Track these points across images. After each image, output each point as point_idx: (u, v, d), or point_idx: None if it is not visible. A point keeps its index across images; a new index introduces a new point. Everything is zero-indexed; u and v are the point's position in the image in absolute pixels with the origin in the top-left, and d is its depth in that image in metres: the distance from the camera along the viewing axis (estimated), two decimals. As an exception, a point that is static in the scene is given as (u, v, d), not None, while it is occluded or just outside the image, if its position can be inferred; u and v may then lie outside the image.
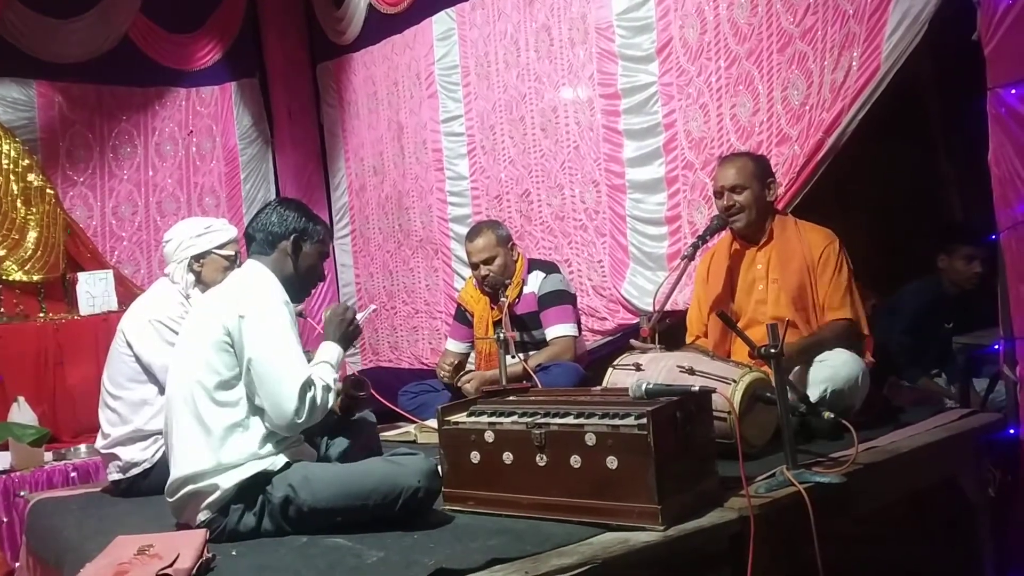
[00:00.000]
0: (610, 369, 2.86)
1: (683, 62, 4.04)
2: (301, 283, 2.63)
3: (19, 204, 5.35)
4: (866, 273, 3.24)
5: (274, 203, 2.67)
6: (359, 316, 2.88)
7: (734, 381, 2.55)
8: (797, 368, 2.83)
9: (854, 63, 3.33)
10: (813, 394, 2.75)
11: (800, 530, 2.15)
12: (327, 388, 2.42)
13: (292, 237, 2.57)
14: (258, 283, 2.49)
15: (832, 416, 2.44)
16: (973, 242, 3.91)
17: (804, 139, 3.53)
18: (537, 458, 2.24)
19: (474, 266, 3.93)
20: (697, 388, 2.25)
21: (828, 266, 3.08)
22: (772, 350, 2.31)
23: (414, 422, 3.52)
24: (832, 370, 2.84)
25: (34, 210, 5.39)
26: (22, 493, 3.81)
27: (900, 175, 4.36)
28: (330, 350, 2.57)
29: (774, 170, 3.42)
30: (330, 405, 2.45)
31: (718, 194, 3.22)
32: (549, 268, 4.00)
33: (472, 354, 4.18)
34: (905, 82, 3.39)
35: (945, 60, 3.93)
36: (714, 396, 2.33)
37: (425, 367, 5.60)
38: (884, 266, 4.18)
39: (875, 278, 3.89)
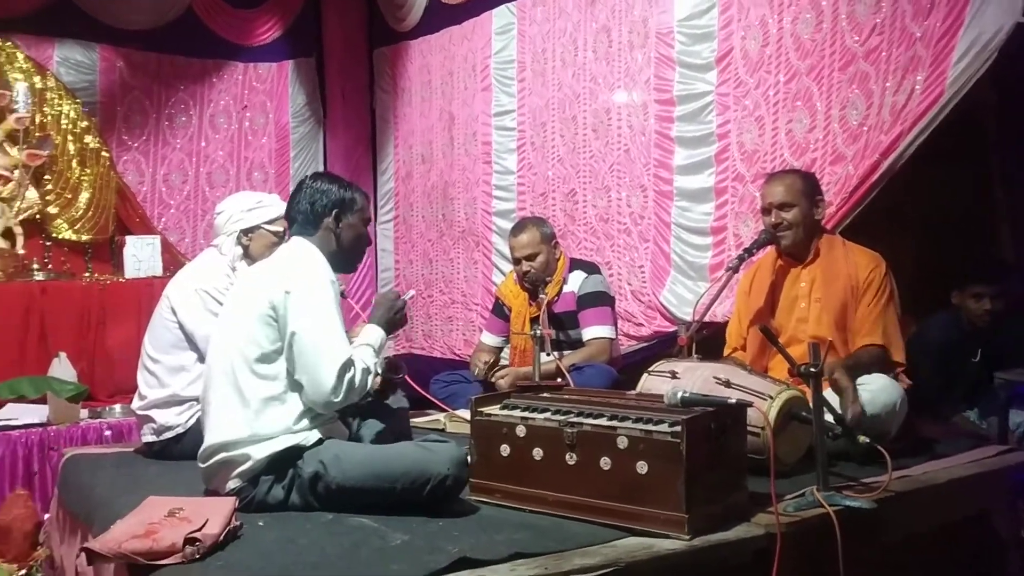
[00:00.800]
0: (645, 374, 2.86)
1: (742, 73, 4.01)
2: (349, 254, 2.67)
3: (74, 164, 5.45)
4: (910, 298, 3.19)
5: (307, 181, 2.67)
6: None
7: (770, 397, 2.54)
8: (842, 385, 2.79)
9: (917, 87, 3.28)
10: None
11: (826, 552, 2.13)
12: (367, 370, 2.44)
13: (333, 212, 2.60)
14: (306, 260, 2.52)
15: (867, 441, 2.42)
16: (984, 280, 3.85)
17: (859, 160, 3.49)
18: (567, 456, 2.24)
19: (516, 261, 3.94)
20: (734, 401, 2.24)
21: (870, 290, 3.04)
22: (811, 369, 2.30)
23: (444, 410, 3.54)
24: (870, 394, 2.80)
25: (88, 171, 5.49)
26: (56, 447, 3.89)
27: (952, 201, 4.29)
28: (374, 333, 2.59)
29: (826, 189, 3.39)
30: (368, 387, 2.47)
31: (766, 211, 3.20)
32: (591, 268, 4.00)
33: (506, 349, 4.19)
34: (965, 107, 3.33)
35: (1007, 88, 3.87)
36: (749, 411, 2.32)
37: (457, 357, 5.63)
38: (929, 291, 4.12)
39: (919, 303, 3.84)
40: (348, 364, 2.38)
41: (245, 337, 2.41)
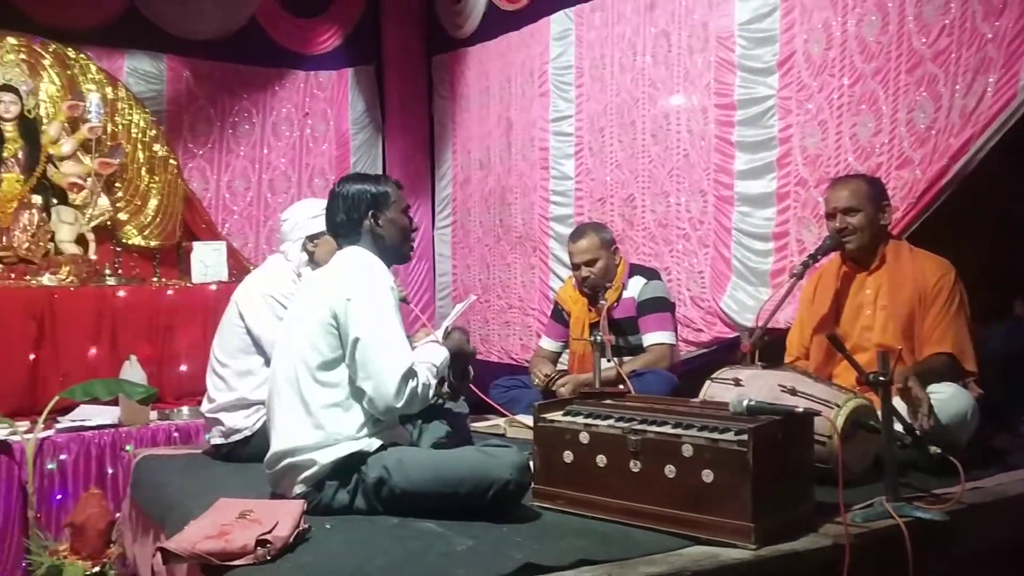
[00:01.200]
0: (708, 381, 2.84)
1: (804, 76, 3.96)
2: (398, 247, 2.68)
3: (144, 172, 5.60)
4: (973, 305, 3.12)
5: (335, 189, 2.68)
6: (457, 307, 2.93)
7: (837, 405, 2.50)
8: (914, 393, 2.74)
9: (988, 89, 3.21)
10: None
11: (895, 564, 2.10)
12: (427, 385, 2.46)
13: (370, 213, 2.60)
14: (364, 266, 2.54)
15: (938, 451, 2.37)
16: None
17: (927, 164, 3.42)
18: (631, 464, 2.24)
19: (575, 267, 3.94)
20: (800, 409, 2.22)
21: (940, 297, 2.99)
22: (881, 377, 2.26)
23: (505, 416, 3.55)
24: (940, 403, 2.75)
25: (157, 179, 5.63)
26: (127, 448, 4.00)
27: (1021, 206, 4.18)
28: (439, 354, 2.61)
29: (892, 194, 3.34)
30: (428, 399, 2.49)
31: (830, 215, 3.16)
32: (651, 274, 3.98)
33: (565, 354, 4.19)
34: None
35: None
36: (816, 419, 2.29)
37: (514, 362, 5.64)
38: (994, 299, 4.02)
39: (983, 311, 3.75)
40: (411, 372, 2.40)
41: (307, 345, 2.44)
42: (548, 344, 4.21)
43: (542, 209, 5.55)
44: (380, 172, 6.61)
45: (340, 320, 2.42)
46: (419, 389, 2.41)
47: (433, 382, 2.51)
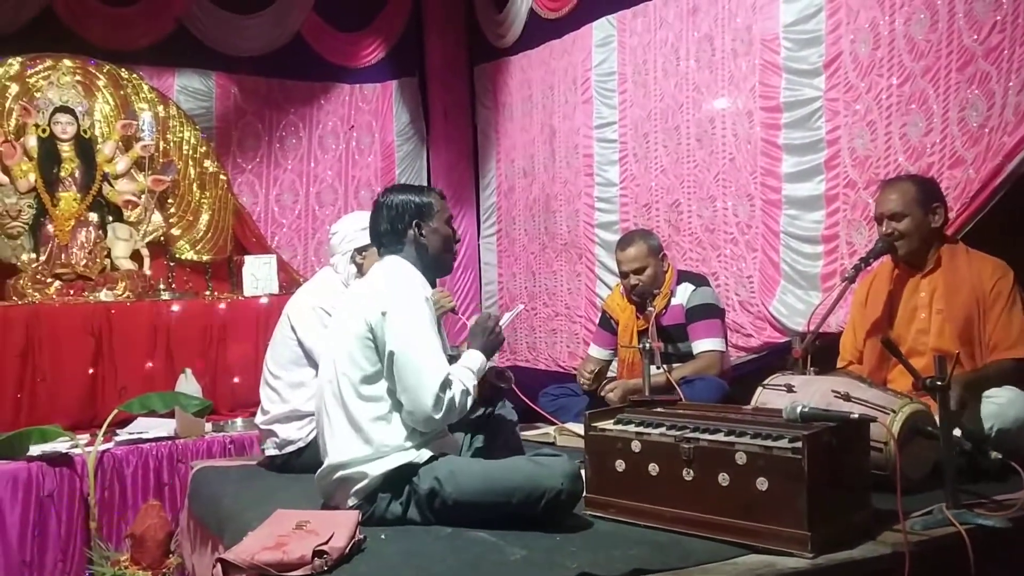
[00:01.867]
0: (760, 388, 2.82)
1: (852, 77, 3.91)
2: (440, 258, 2.69)
3: (195, 188, 5.72)
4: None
5: (380, 199, 2.70)
6: (505, 316, 2.93)
7: (893, 411, 2.46)
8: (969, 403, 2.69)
9: (1043, 86, 3.15)
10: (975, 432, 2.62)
11: (957, 572, 2.06)
12: (466, 392, 2.46)
13: (414, 223, 2.61)
14: (400, 279, 2.55)
15: (999, 456, 2.32)
16: None
17: (981, 163, 3.35)
18: (684, 472, 2.23)
19: (623, 275, 3.93)
20: (856, 415, 2.19)
21: (1000, 300, 2.92)
22: (938, 382, 2.22)
23: (554, 424, 3.55)
24: (999, 407, 2.70)
25: (208, 194, 5.75)
26: (184, 460, 4.08)
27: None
28: (473, 357, 2.60)
29: (944, 194, 3.27)
30: (467, 408, 2.48)
31: (878, 220, 3.11)
32: (699, 281, 3.96)
33: (614, 362, 4.18)
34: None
35: None
36: (872, 425, 2.26)
37: (562, 370, 5.64)
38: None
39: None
40: (447, 383, 2.40)
41: (348, 359, 2.46)
42: (597, 352, 4.20)
43: (587, 216, 5.55)
44: (424, 183, 6.67)
45: (376, 333, 2.43)
46: (457, 398, 2.41)
47: (471, 386, 2.50)
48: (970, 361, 2.89)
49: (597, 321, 4.35)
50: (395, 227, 2.63)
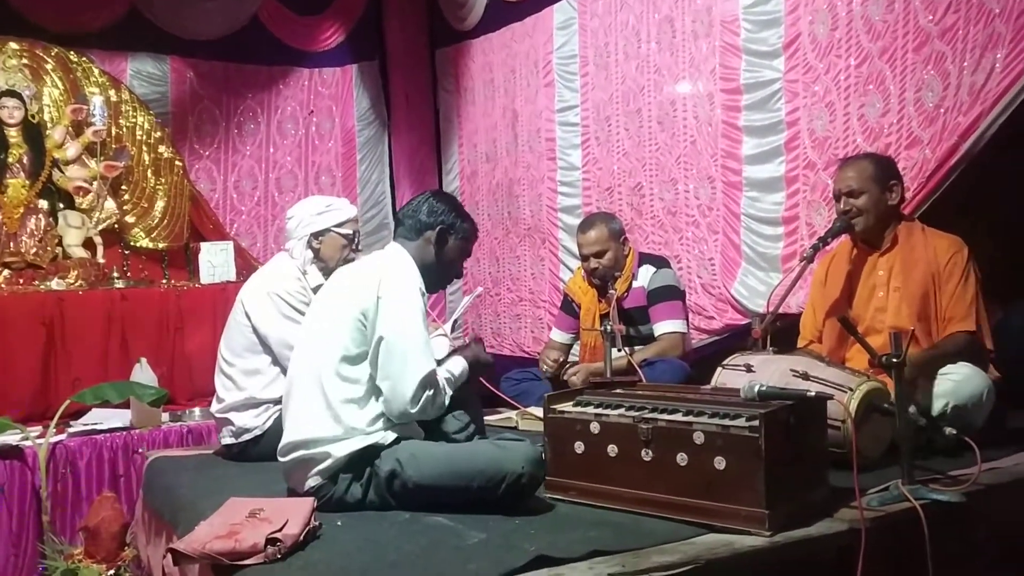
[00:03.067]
0: (719, 368, 2.81)
1: (811, 58, 3.91)
2: (439, 274, 2.70)
3: (149, 174, 5.61)
4: (992, 285, 3.08)
5: (429, 193, 2.74)
6: (465, 299, 2.92)
7: (851, 389, 2.47)
8: (920, 381, 2.71)
9: (997, 65, 3.17)
10: (934, 408, 2.65)
11: (913, 547, 2.07)
12: (443, 394, 2.48)
13: (438, 228, 2.63)
14: (399, 267, 2.55)
15: (954, 432, 2.34)
16: None
17: (937, 143, 3.38)
18: (642, 453, 2.22)
19: (584, 258, 3.91)
20: (813, 394, 2.19)
21: (954, 275, 2.94)
22: (894, 359, 2.23)
23: (516, 408, 3.53)
24: (954, 384, 2.72)
25: (163, 180, 5.65)
26: (140, 450, 4.01)
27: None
28: (458, 366, 2.62)
29: (902, 174, 3.28)
30: (442, 409, 2.51)
31: (836, 197, 3.12)
32: (660, 263, 3.95)
33: (576, 346, 4.17)
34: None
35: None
36: (829, 403, 2.26)
37: (526, 355, 5.63)
38: (1009, 278, 3.97)
39: (998, 290, 3.70)
40: (430, 380, 2.41)
41: (334, 338, 2.45)
42: (558, 336, 4.18)
43: (550, 200, 5.52)
44: (387, 168, 6.68)
45: (369, 317, 2.43)
46: (435, 398, 2.44)
47: (450, 392, 2.52)
48: (926, 338, 2.91)
49: (559, 305, 4.33)
50: (422, 221, 2.64)
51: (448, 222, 2.65)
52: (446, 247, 2.66)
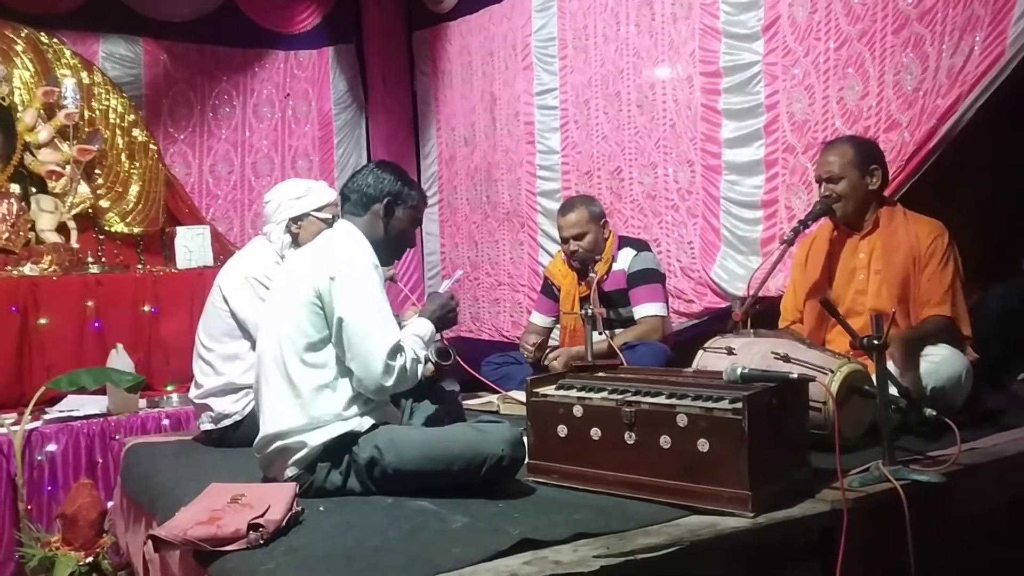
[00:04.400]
0: (700, 351, 2.82)
1: (790, 41, 3.92)
2: (391, 246, 2.64)
3: (123, 158, 5.51)
4: (971, 267, 3.11)
5: (372, 165, 2.68)
6: (445, 283, 2.90)
7: (831, 371, 2.48)
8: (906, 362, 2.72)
9: (976, 48, 3.18)
10: (915, 390, 2.66)
11: (894, 527, 2.09)
12: (416, 360, 2.43)
13: (385, 200, 2.58)
14: (348, 244, 2.51)
15: (933, 413, 2.36)
16: None
17: (916, 126, 3.39)
18: (625, 436, 2.22)
19: (564, 240, 3.90)
20: (795, 376, 2.20)
21: (934, 258, 2.96)
22: (875, 342, 2.24)
23: (497, 392, 3.52)
24: (934, 366, 2.75)
25: (137, 164, 5.56)
26: (117, 437, 3.96)
27: (1012, 167, 4.15)
28: (423, 326, 2.58)
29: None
30: (419, 377, 2.46)
31: (817, 182, 3.14)
32: (640, 246, 3.95)
33: (556, 329, 4.17)
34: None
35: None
36: (811, 386, 2.27)
37: (506, 339, 5.62)
38: (986, 260, 4.01)
39: (976, 272, 3.74)
40: (398, 348, 2.37)
41: (292, 326, 2.41)
42: (539, 319, 4.18)
43: (529, 184, 5.51)
44: (364, 152, 6.61)
45: (324, 300, 2.39)
46: (408, 365, 2.39)
47: (422, 355, 2.48)
48: (906, 321, 2.94)
49: (539, 288, 4.32)
50: (368, 194, 2.58)
51: (395, 191, 2.59)
52: (395, 217, 2.60)
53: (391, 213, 2.59)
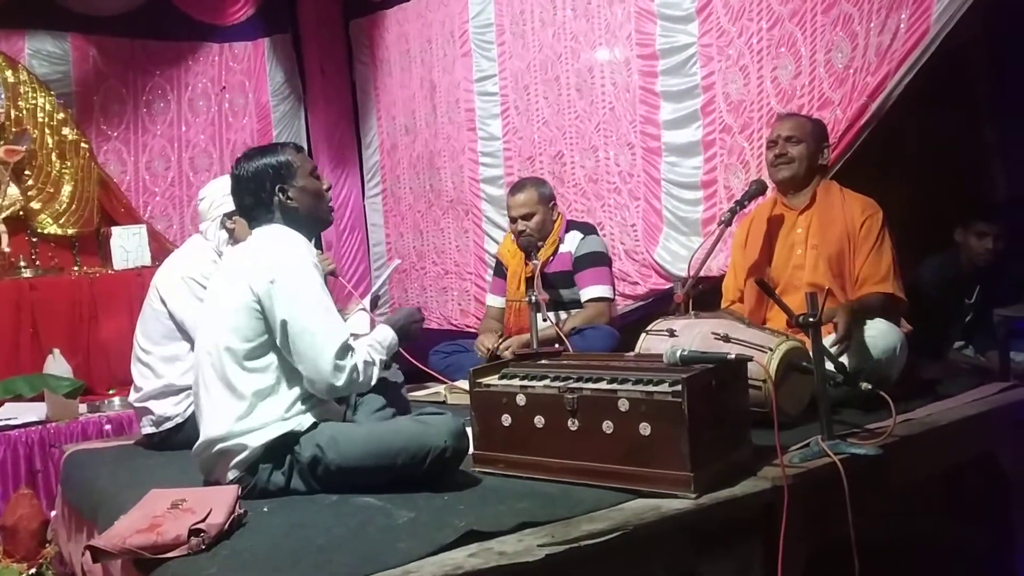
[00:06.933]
0: (643, 335, 2.84)
1: (724, 23, 3.94)
2: (314, 214, 2.55)
3: (54, 158, 5.37)
4: (902, 241, 3.18)
5: (234, 172, 2.53)
6: (384, 273, 2.87)
7: (770, 349, 2.52)
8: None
9: (902, 25, 3.23)
10: (853, 364, 2.71)
11: (834, 501, 2.12)
12: (370, 363, 2.40)
13: (276, 188, 2.47)
14: (284, 245, 2.43)
15: (869, 387, 2.40)
16: (989, 218, 3.87)
17: (847, 103, 3.44)
18: (569, 422, 2.22)
19: (512, 220, 3.92)
20: (733, 356, 2.22)
21: (869, 237, 3.02)
22: (810, 319, 2.27)
23: (444, 382, 3.51)
24: (872, 340, 2.80)
25: (68, 164, 5.41)
26: (56, 444, 3.87)
27: (943, 142, 4.25)
28: (385, 333, 2.55)
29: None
30: (372, 380, 2.42)
31: (772, 143, 3.18)
32: (588, 229, 3.98)
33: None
34: (953, 46, 3.28)
35: (996, 24, 3.82)
36: (749, 364, 2.30)
37: (454, 328, 5.60)
38: (921, 234, 4.10)
39: (911, 245, 3.82)
40: (347, 348, 2.33)
41: (230, 331, 2.35)
42: (494, 301, 4.18)
43: (471, 171, 5.48)
44: (304, 143, 6.45)
45: (265, 304, 2.33)
46: (360, 366, 2.35)
47: (378, 359, 2.44)
48: (842, 294, 2.99)
49: (492, 270, 4.31)
50: (259, 197, 2.48)
51: (275, 174, 2.47)
52: (296, 191, 2.48)
53: (286, 192, 2.48)
